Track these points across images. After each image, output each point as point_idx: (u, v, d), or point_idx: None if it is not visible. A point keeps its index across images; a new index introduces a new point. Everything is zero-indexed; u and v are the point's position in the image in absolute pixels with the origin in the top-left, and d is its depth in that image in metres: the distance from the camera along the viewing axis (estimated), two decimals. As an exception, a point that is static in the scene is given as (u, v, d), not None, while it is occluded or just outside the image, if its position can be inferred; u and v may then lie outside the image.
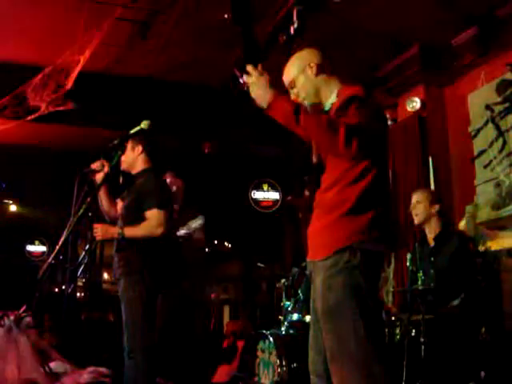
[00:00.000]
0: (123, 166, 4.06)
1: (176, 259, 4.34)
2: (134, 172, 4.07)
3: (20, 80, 6.09)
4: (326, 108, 2.57)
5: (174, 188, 5.09)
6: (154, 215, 3.78)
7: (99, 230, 3.78)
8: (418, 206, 4.41)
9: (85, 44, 5.39)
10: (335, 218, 2.37)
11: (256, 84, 2.39)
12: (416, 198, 4.44)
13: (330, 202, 2.41)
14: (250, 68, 2.41)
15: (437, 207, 4.37)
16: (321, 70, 2.60)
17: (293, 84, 2.63)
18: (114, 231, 3.78)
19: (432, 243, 4.40)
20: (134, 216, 3.86)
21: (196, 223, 5.18)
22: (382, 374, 2.20)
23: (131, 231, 3.79)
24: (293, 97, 2.62)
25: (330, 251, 2.33)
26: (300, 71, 2.62)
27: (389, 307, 4.61)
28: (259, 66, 2.44)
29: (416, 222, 4.44)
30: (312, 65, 2.59)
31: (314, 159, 2.66)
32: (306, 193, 2.64)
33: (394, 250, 4.27)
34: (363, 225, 2.32)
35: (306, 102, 2.61)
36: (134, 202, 3.92)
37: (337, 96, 2.53)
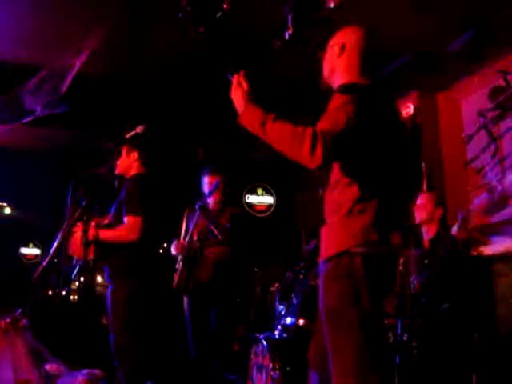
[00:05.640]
0: (118, 171, 4.07)
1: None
2: (126, 177, 4.09)
3: (15, 82, 6.10)
4: None
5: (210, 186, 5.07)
6: (129, 221, 3.77)
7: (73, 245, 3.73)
8: (421, 208, 4.47)
9: (81, 47, 5.40)
10: (335, 221, 2.35)
11: (234, 93, 2.44)
12: (422, 199, 4.50)
13: (331, 203, 2.40)
14: (233, 77, 2.47)
15: (440, 212, 4.45)
16: (345, 52, 2.52)
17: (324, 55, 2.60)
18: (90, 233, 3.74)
19: (427, 246, 4.45)
20: (118, 222, 3.89)
21: None
22: (376, 382, 2.19)
23: (105, 233, 3.79)
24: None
25: (329, 254, 2.31)
26: (330, 46, 2.58)
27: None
28: (239, 75, 2.47)
29: (417, 221, 4.50)
30: (339, 45, 2.52)
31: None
32: (321, 192, 2.58)
33: (402, 251, 4.27)
34: (361, 227, 2.26)
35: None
36: (117, 208, 3.94)
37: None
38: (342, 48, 2.52)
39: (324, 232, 2.42)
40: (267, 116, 2.28)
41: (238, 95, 2.43)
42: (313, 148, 2.10)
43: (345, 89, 2.37)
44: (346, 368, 2.20)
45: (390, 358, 3.86)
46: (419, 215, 4.48)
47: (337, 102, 2.28)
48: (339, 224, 2.33)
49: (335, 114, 2.22)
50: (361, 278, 2.21)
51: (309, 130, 2.14)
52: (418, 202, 4.52)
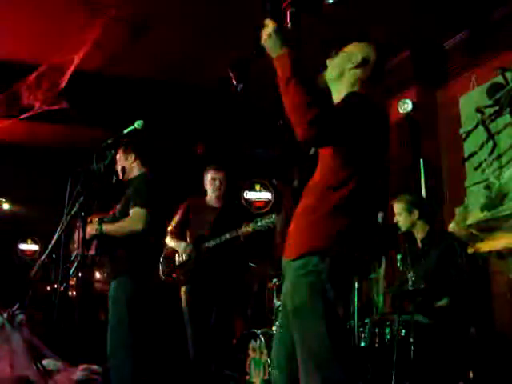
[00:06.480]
0: (120, 177, 4.13)
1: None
2: (130, 177, 4.13)
3: (14, 79, 6.10)
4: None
5: (217, 182, 5.11)
6: (134, 212, 3.82)
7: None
8: (399, 217, 4.47)
9: (79, 43, 5.40)
10: (310, 221, 2.35)
11: (272, 34, 2.38)
12: (396, 209, 4.50)
13: (308, 203, 2.40)
14: (268, 21, 2.41)
15: (416, 213, 4.42)
16: (363, 67, 2.51)
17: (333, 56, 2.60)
18: (93, 228, 3.80)
19: (420, 245, 4.45)
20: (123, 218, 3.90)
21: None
22: (342, 377, 2.19)
23: (109, 226, 3.83)
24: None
25: (300, 253, 2.32)
26: (346, 52, 2.57)
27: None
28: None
29: (402, 230, 4.51)
30: (359, 58, 2.51)
31: (312, 150, 2.59)
32: (295, 183, 2.55)
33: (374, 257, 4.25)
34: (336, 231, 2.28)
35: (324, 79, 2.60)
36: (124, 205, 3.96)
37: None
38: (362, 62, 2.51)
39: (293, 231, 2.44)
40: (296, 72, 2.30)
41: (277, 36, 2.38)
42: (313, 121, 2.18)
43: (348, 97, 2.44)
44: (310, 357, 2.22)
45: (387, 353, 3.88)
46: (399, 224, 4.47)
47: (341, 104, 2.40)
48: (313, 225, 2.34)
49: (339, 109, 2.36)
50: (328, 278, 2.24)
51: (317, 109, 2.21)
52: (395, 210, 4.50)
